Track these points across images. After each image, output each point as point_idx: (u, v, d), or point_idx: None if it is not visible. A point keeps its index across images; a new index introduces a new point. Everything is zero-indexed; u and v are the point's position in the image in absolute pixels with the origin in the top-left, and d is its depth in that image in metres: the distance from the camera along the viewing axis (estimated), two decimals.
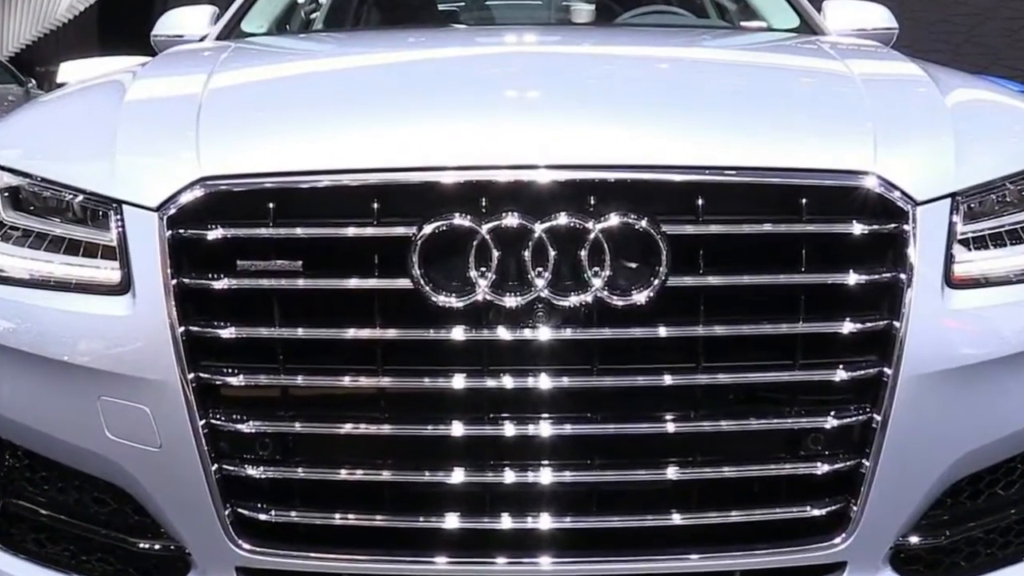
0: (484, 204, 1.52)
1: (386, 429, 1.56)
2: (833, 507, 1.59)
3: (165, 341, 1.53)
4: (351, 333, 1.54)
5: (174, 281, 1.54)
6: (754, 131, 1.68)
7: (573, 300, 1.51)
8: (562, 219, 1.50)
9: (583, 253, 1.50)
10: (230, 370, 1.56)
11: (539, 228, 1.50)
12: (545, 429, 1.55)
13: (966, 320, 1.59)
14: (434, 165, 1.55)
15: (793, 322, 1.55)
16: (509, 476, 1.56)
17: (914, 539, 1.66)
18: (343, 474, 1.58)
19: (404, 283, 1.52)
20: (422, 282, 1.50)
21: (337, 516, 1.59)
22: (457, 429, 1.54)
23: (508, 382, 1.53)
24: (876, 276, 1.56)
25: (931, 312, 1.56)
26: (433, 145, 1.61)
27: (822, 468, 1.58)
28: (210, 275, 1.55)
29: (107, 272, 1.61)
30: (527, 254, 1.50)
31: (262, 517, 1.59)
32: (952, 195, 1.61)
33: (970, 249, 1.64)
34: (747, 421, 1.57)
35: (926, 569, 1.70)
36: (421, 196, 1.54)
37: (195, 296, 1.56)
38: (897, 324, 1.54)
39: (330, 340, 1.54)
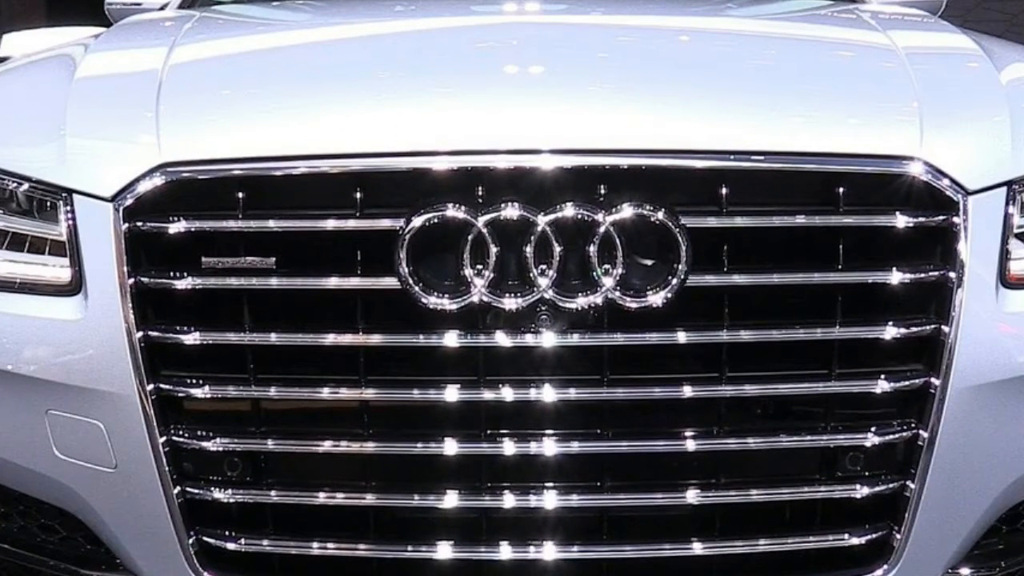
0: (480, 193, 1.53)
1: (370, 447, 1.57)
2: (874, 535, 1.61)
3: (121, 348, 1.54)
4: (330, 339, 1.54)
5: (131, 280, 1.55)
6: (785, 111, 1.68)
7: (581, 302, 1.52)
8: (568, 210, 1.50)
9: (592, 249, 1.51)
10: (194, 381, 1.57)
11: (542, 220, 1.50)
12: (549, 447, 1.56)
13: None
14: (424, 149, 1.55)
15: (829, 327, 1.56)
16: (509, 500, 1.57)
17: (965, 571, 1.68)
18: (322, 498, 1.58)
19: (390, 282, 1.52)
20: (410, 281, 1.51)
21: (315, 545, 1.60)
22: (450, 447, 1.56)
23: (508, 394, 1.54)
24: (922, 275, 1.57)
25: (984, 315, 1.57)
26: (423, 127, 1.61)
27: (861, 491, 1.59)
28: (172, 273, 1.55)
29: (56, 270, 1.61)
30: (529, 250, 1.51)
31: (230, 546, 1.60)
32: (1008, 183, 1.62)
33: None
34: (777, 438, 1.58)
35: None
36: (409, 184, 1.54)
37: (155, 297, 1.57)
38: (946, 329, 1.56)
39: (307, 347, 1.55)
